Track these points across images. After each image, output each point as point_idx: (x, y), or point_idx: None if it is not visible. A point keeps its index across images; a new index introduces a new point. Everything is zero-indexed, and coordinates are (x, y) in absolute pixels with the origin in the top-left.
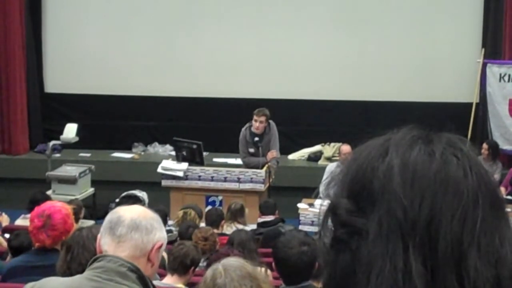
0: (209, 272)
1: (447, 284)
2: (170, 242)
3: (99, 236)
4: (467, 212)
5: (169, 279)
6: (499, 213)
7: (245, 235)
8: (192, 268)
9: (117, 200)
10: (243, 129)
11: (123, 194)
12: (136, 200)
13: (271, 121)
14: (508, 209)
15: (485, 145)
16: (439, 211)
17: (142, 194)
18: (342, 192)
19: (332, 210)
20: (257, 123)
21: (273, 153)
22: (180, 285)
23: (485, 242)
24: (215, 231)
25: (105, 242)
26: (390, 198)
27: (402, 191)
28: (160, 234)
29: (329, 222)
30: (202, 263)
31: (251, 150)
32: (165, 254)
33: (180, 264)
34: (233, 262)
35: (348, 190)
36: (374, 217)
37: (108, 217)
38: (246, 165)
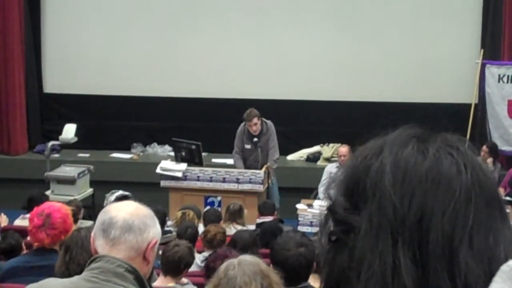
0: (223, 265)
1: (439, 281)
2: (168, 243)
3: (92, 235)
4: (459, 209)
5: (161, 280)
6: (495, 213)
7: (249, 238)
8: (185, 270)
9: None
10: (241, 124)
11: (118, 196)
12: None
13: (268, 121)
14: (507, 210)
15: (485, 148)
16: (429, 208)
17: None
18: (340, 191)
19: (330, 209)
20: (252, 127)
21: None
22: (172, 284)
23: (478, 240)
24: None
25: (99, 245)
26: (381, 195)
27: (392, 188)
28: (154, 231)
29: (329, 221)
30: (201, 263)
31: (248, 146)
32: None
33: (173, 268)
34: (248, 258)
35: (344, 189)
36: (365, 214)
37: (100, 218)
38: (234, 163)
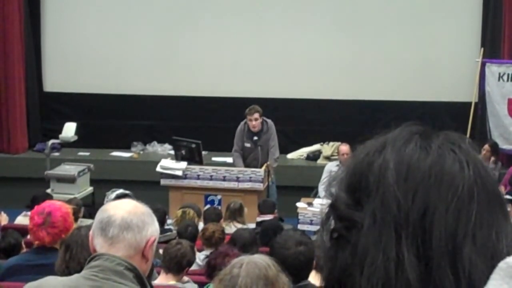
0: (233, 260)
1: (442, 276)
2: (168, 241)
3: (91, 233)
4: (462, 205)
5: (162, 278)
6: (497, 209)
7: (248, 236)
8: (187, 268)
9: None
10: (241, 123)
11: (118, 194)
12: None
13: (268, 120)
14: (508, 208)
15: (486, 147)
16: (433, 203)
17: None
18: (342, 188)
19: (333, 205)
20: (252, 122)
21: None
22: (173, 282)
23: (481, 236)
24: None
25: (98, 243)
26: (384, 190)
27: (395, 184)
28: (152, 229)
29: (330, 219)
30: (201, 262)
31: (247, 144)
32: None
33: (176, 265)
34: (258, 260)
35: (346, 185)
36: (368, 210)
37: (99, 216)
38: (233, 161)
